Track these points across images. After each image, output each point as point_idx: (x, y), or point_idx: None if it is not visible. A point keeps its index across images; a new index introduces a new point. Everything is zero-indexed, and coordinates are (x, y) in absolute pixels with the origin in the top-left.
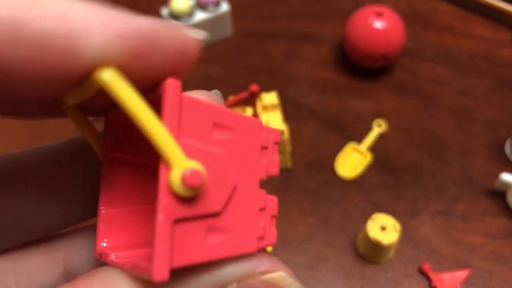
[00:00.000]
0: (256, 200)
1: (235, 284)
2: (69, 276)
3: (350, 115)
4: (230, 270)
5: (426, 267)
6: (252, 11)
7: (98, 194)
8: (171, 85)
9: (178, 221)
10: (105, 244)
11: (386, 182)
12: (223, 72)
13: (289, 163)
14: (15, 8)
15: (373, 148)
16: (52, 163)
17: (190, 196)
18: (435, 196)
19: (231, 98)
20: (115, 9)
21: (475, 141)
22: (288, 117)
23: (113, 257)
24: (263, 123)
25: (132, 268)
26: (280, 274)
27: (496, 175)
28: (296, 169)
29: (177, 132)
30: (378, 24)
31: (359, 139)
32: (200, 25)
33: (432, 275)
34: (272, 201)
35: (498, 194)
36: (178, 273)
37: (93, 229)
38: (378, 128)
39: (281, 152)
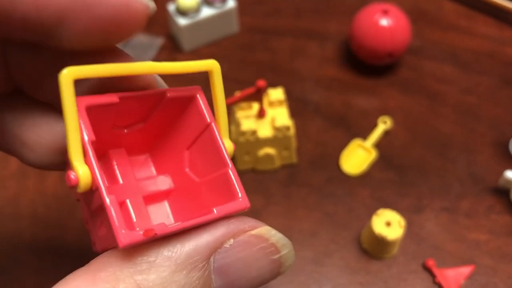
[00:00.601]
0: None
1: (232, 240)
2: None
3: (355, 112)
4: (225, 229)
5: (430, 263)
6: (258, 8)
7: None
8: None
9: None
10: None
11: (391, 179)
12: (229, 68)
13: (294, 159)
14: None
15: (378, 145)
16: None
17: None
18: (440, 193)
19: (238, 94)
20: None
21: (480, 139)
22: (293, 113)
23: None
24: (270, 118)
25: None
26: (265, 228)
27: (500, 173)
28: (301, 165)
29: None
30: (384, 22)
31: (364, 136)
32: (207, 21)
33: (436, 271)
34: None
35: (502, 191)
36: (182, 234)
37: None
38: (383, 125)
39: (287, 147)
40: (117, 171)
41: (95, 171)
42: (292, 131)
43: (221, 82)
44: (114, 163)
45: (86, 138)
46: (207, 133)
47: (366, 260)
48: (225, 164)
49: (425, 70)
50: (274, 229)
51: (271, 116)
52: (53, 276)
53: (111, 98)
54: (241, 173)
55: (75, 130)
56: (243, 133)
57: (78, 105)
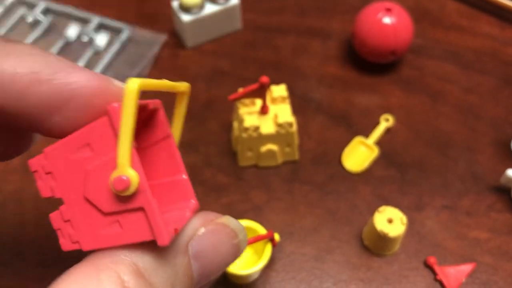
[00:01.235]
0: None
1: (203, 229)
2: None
3: (357, 109)
4: (197, 221)
5: (431, 260)
6: (261, 5)
7: None
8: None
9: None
10: None
11: (393, 176)
12: (231, 65)
13: (296, 156)
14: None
15: (379, 143)
16: None
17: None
18: (441, 191)
19: (241, 90)
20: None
21: (481, 138)
22: (295, 111)
23: None
24: (272, 115)
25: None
26: (226, 216)
27: (501, 172)
28: (303, 162)
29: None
30: (388, 20)
31: (365, 133)
32: (210, 18)
33: (437, 268)
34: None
35: (503, 190)
36: None
37: None
38: (385, 123)
39: (289, 145)
40: None
41: (142, 176)
42: (294, 128)
43: (187, 102)
44: None
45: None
46: (164, 143)
47: (367, 257)
48: (180, 171)
49: (427, 69)
50: (274, 224)
51: (274, 112)
52: (55, 270)
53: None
54: (243, 169)
55: (129, 138)
56: (246, 129)
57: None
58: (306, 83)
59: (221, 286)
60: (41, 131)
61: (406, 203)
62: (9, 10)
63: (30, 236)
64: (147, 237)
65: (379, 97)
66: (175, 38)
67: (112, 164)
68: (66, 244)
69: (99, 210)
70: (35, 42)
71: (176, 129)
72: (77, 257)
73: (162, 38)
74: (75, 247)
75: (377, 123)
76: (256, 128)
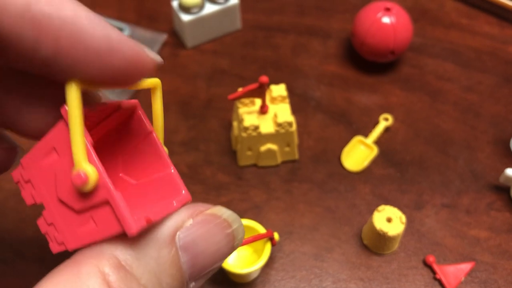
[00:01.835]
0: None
1: (191, 220)
2: None
3: (356, 108)
4: (184, 212)
5: (431, 259)
6: (261, 5)
7: None
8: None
9: None
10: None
11: (392, 175)
12: (231, 65)
13: (296, 155)
14: None
15: (379, 142)
16: None
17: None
18: (440, 189)
19: (240, 90)
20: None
21: (480, 136)
22: (295, 109)
23: None
24: (272, 114)
25: None
26: (217, 207)
27: (501, 170)
28: (302, 161)
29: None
30: (387, 20)
31: (365, 132)
32: (210, 18)
33: (436, 267)
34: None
35: (502, 189)
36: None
37: None
38: (384, 122)
39: (289, 144)
40: None
41: (100, 170)
42: (294, 127)
43: (161, 97)
44: None
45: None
46: (147, 141)
47: (366, 256)
48: (167, 166)
49: (427, 67)
50: (273, 223)
51: (273, 112)
52: (55, 267)
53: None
54: (243, 168)
55: (80, 135)
56: (246, 129)
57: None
58: (306, 82)
59: (220, 285)
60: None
61: (405, 202)
62: None
63: (31, 234)
64: (117, 229)
65: (378, 96)
66: (175, 38)
67: (72, 162)
68: (54, 247)
69: (72, 209)
70: None
71: (157, 125)
72: (72, 255)
73: (162, 37)
74: (62, 248)
75: (376, 122)
76: (256, 128)
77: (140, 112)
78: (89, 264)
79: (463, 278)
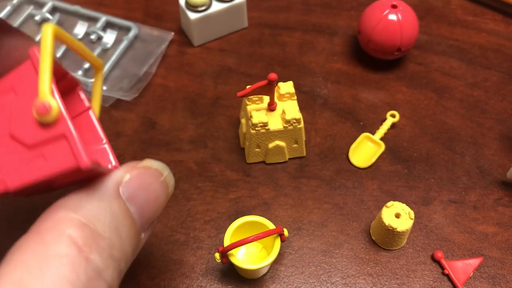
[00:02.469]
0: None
1: (128, 175)
2: None
3: (363, 105)
4: (120, 170)
5: (439, 254)
6: (267, 3)
7: None
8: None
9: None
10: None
11: (399, 172)
12: (238, 63)
13: (304, 152)
14: None
15: (386, 138)
16: None
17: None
18: (447, 185)
19: (249, 87)
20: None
21: (487, 132)
22: (302, 107)
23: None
24: (280, 111)
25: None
26: (146, 160)
27: (508, 166)
28: (310, 158)
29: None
30: (393, 17)
31: (372, 129)
32: (217, 16)
33: (444, 262)
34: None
35: (509, 185)
36: (93, 181)
37: None
38: (391, 119)
39: (296, 141)
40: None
41: (61, 105)
42: (302, 124)
43: (102, 78)
44: None
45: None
46: (85, 116)
47: (375, 252)
48: (100, 140)
49: (433, 65)
50: (282, 220)
51: (281, 109)
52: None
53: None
54: (251, 165)
55: (49, 70)
56: (254, 126)
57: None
58: (313, 79)
59: (231, 281)
60: None
61: (413, 198)
62: (17, 9)
63: None
64: (69, 163)
65: (385, 93)
66: (182, 36)
67: (35, 97)
68: None
69: (24, 145)
70: None
71: (95, 102)
72: None
73: (169, 36)
74: (1, 187)
75: (383, 118)
76: (264, 125)
77: (79, 88)
78: (52, 230)
79: (471, 273)
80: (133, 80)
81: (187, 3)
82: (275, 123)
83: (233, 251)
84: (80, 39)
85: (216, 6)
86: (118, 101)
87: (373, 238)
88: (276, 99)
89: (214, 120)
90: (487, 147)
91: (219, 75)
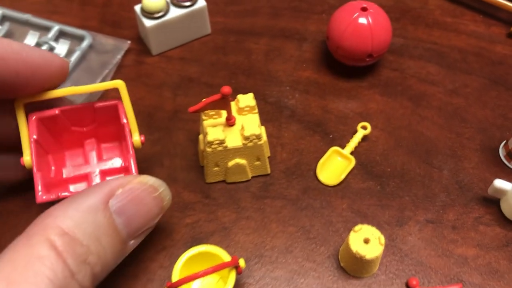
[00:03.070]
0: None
1: (120, 189)
2: None
3: (333, 117)
4: (114, 182)
5: (414, 282)
6: (232, 7)
7: None
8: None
9: None
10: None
11: (371, 189)
12: (200, 72)
13: (268, 170)
14: None
15: (357, 152)
16: None
17: None
18: (424, 204)
19: (203, 101)
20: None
21: (467, 143)
22: (268, 119)
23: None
24: (239, 126)
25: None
26: (143, 176)
27: (489, 181)
28: (275, 175)
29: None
30: (363, 20)
31: (342, 142)
32: (175, 22)
33: None
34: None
35: (492, 201)
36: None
37: None
38: (362, 131)
39: (259, 158)
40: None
41: (33, 160)
42: (263, 140)
43: (127, 95)
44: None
45: (32, 138)
46: (122, 131)
47: (344, 280)
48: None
49: (409, 70)
50: (243, 246)
51: (240, 123)
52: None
53: (53, 111)
54: (211, 185)
55: (26, 135)
56: (210, 143)
57: (30, 118)
58: (280, 89)
59: None
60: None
61: (386, 218)
62: None
63: None
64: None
65: (357, 102)
66: (140, 45)
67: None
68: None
69: None
70: None
71: (129, 116)
72: None
73: (125, 44)
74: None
75: (354, 131)
76: (221, 142)
77: (119, 107)
78: (38, 235)
79: None
80: (85, 93)
81: (142, 10)
82: (233, 139)
83: (185, 285)
84: None
85: (174, 12)
86: None
87: (341, 265)
88: (235, 113)
89: (172, 135)
90: (467, 160)
91: (179, 86)
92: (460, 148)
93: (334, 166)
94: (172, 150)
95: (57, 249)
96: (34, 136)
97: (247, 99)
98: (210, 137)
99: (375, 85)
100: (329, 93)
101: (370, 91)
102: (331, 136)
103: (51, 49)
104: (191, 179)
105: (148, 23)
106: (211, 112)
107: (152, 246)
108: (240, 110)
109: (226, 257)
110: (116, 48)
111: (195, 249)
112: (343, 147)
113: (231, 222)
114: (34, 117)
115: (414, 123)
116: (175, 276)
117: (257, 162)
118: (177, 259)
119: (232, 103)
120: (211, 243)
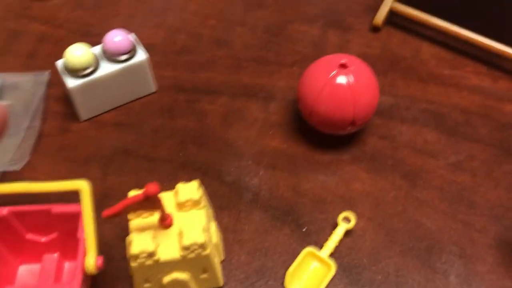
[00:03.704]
0: None
1: None
2: None
3: (307, 201)
4: None
5: None
6: (185, 57)
7: None
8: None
9: None
10: None
11: None
12: (139, 142)
13: (220, 281)
14: None
15: (339, 252)
16: None
17: None
18: None
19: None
20: None
21: (478, 238)
22: (223, 206)
23: None
24: (177, 229)
25: None
26: None
27: None
28: (231, 286)
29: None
30: (343, 79)
31: (319, 238)
32: (108, 80)
33: None
34: None
35: None
36: None
37: None
38: (345, 224)
39: (205, 270)
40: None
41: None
42: (208, 250)
43: (89, 201)
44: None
45: None
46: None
47: None
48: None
49: (401, 138)
50: None
51: (179, 225)
52: None
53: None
54: None
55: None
56: (136, 257)
57: None
58: (240, 163)
59: None
60: None
61: None
62: None
63: None
64: None
65: (337, 181)
66: (67, 107)
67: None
68: None
69: None
70: None
71: (87, 230)
72: None
73: (44, 76)
74: None
75: (334, 222)
76: (151, 254)
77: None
78: None
79: None
80: (17, 140)
81: (65, 68)
82: (168, 249)
83: None
84: None
85: (107, 68)
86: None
87: None
88: (173, 208)
89: (98, 230)
90: (479, 261)
91: (110, 161)
92: (469, 244)
93: (308, 275)
94: (98, 250)
95: None
96: None
97: (189, 190)
98: (134, 249)
99: (360, 159)
100: (302, 169)
101: (354, 166)
102: (304, 229)
103: None
104: None
105: (71, 83)
106: (145, 214)
107: None
108: (180, 206)
109: None
110: (36, 82)
111: None
112: (320, 245)
113: None
114: None
115: (410, 210)
116: None
117: (204, 275)
118: None
119: (170, 195)
120: None
